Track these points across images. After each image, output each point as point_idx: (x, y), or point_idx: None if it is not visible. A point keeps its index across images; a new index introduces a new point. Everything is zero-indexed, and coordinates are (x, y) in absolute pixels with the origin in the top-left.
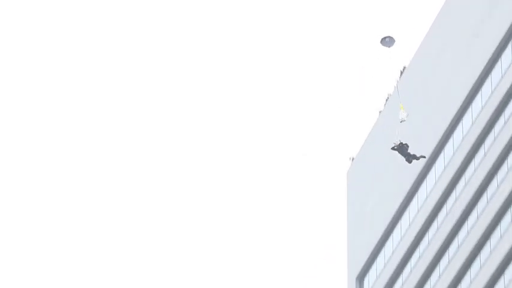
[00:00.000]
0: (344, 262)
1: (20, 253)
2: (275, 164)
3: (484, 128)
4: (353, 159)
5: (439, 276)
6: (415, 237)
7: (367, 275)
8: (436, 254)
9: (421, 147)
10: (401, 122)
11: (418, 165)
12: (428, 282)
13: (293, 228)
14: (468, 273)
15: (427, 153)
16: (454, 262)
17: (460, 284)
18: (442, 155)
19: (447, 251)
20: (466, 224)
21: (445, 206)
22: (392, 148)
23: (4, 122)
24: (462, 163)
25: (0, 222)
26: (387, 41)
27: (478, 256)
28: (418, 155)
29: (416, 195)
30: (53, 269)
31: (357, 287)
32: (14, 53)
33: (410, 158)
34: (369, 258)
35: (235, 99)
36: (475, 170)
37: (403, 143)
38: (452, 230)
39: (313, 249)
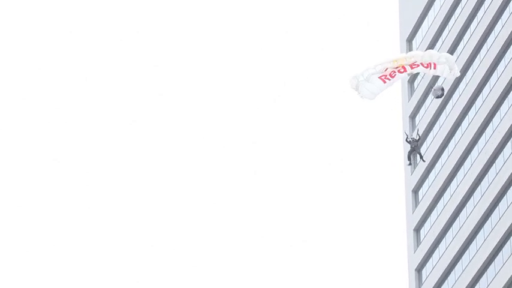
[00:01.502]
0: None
1: (20, 253)
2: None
3: None
4: None
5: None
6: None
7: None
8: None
9: None
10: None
11: None
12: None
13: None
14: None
15: None
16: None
17: None
18: None
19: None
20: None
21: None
22: (407, 140)
23: (4, 122)
24: None
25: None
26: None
27: None
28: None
29: None
30: (53, 269)
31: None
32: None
33: (413, 154)
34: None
35: (234, 100)
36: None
37: (416, 139)
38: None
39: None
